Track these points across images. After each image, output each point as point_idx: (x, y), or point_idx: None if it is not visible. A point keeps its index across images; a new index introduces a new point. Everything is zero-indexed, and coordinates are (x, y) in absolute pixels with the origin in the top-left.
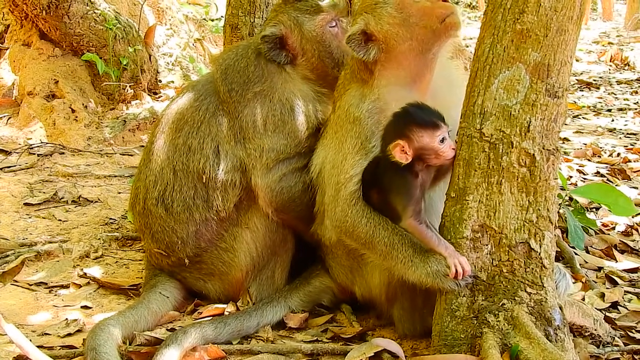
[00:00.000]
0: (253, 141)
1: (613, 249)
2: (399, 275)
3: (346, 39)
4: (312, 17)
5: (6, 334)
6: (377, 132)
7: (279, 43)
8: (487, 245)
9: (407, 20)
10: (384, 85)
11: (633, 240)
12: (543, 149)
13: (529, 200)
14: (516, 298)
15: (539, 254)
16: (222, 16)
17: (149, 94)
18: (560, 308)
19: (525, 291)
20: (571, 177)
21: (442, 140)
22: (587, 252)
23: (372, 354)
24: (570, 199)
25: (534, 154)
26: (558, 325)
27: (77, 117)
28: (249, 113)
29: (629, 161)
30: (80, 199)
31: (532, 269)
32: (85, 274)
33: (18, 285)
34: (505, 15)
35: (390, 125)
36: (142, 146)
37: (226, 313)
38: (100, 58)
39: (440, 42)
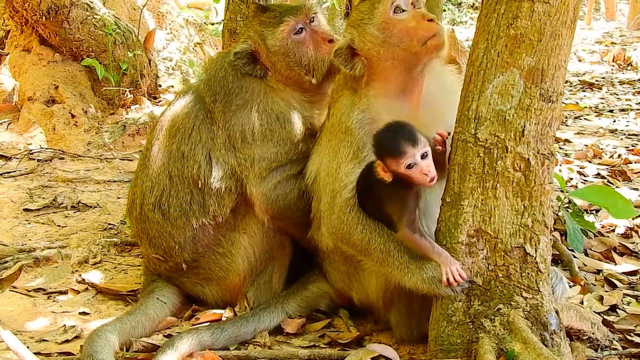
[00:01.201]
0: (243, 151)
1: (612, 252)
2: (395, 282)
3: (333, 52)
4: (273, 29)
5: (3, 341)
6: (369, 142)
7: (251, 57)
8: (482, 250)
9: (388, 41)
10: (373, 96)
11: (633, 243)
12: (538, 153)
13: (524, 205)
14: (512, 303)
15: (535, 259)
16: (222, 20)
17: (148, 99)
18: (557, 312)
19: (521, 296)
20: (572, 178)
21: (410, 166)
22: (586, 254)
23: None
24: (570, 201)
25: (528, 159)
26: (554, 330)
27: (77, 122)
28: (235, 123)
29: (630, 162)
30: (80, 204)
31: (528, 273)
32: (83, 279)
33: (16, 292)
34: (499, 20)
35: (373, 144)
36: (142, 151)
37: (224, 318)
38: (100, 63)
39: (424, 62)
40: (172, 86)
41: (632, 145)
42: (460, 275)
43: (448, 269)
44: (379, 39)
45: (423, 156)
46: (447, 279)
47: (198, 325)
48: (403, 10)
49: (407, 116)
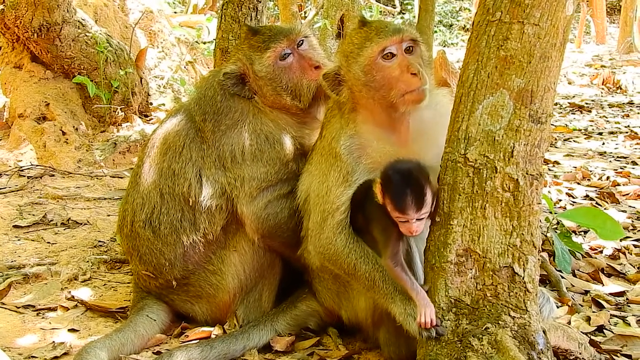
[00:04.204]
0: (233, 171)
1: (600, 273)
2: (380, 306)
3: (322, 75)
4: (260, 55)
5: None
6: (358, 168)
7: (240, 79)
8: (471, 269)
9: (369, 85)
10: (361, 122)
11: (620, 264)
12: (527, 174)
13: (512, 225)
14: (500, 322)
15: (523, 278)
16: (214, 39)
17: (139, 117)
18: (544, 332)
19: (509, 315)
20: (560, 200)
21: (402, 221)
22: (574, 275)
23: None
24: (558, 222)
25: (517, 179)
26: (541, 350)
27: (67, 139)
28: (225, 143)
29: (618, 185)
30: (70, 221)
31: (516, 293)
32: (73, 296)
33: (5, 308)
34: (489, 42)
35: (385, 166)
36: (132, 168)
37: (213, 336)
38: (92, 81)
39: (401, 111)
40: (164, 104)
41: (621, 168)
42: (431, 319)
43: (425, 310)
44: (362, 80)
45: (419, 217)
46: (425, 320)
47: (187, 343)
48: (393, 56)
49: (397, 142)
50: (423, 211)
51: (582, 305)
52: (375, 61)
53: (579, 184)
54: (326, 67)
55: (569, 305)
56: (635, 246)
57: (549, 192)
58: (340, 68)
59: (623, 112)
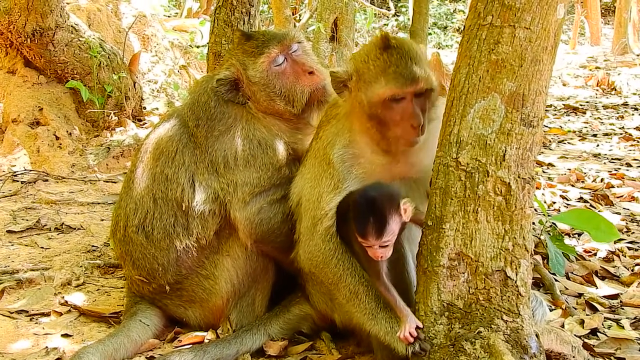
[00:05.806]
0: (225, 176)
1: (593, 275)
2: (357, 323)
3: (330, 72)
4: (254, 60)
5: None
6: (349, 176)
7: (234, 85)
8: (463, 273)
9: (370, 116)
10: (358, 132)
11: (614, 267)
12: (518, 177)
13: (504, 229)
14: (492, 326)
15: (515, 282)
16: (207, 43)
17: (133, 121)
18: (537, 336)
19: (502, 319)
20: (555, 202)
21: (367, 245)
22: (568, 278)
23: None
24: (552, 225)
25: (509, 183)
26: (534, 353)
27: (61, 144)
28: (218, 148)
29: (612, 187)
30: (63, 226)
31: (509, 296)
32: (66, 301)
33: None
34: (481, 46)
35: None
36: (126, 173)
37: (206, 341)
38: (85, 85)
39: (392, 147)
40: (157, 108)
41: (615, 170)
42: (410, 332)
43: (406, 325)
44: (364, 108)
45: (382, 245)
46: (405, 335)
47: (180, 348)
48: (402, 99)
49: (390, 154)
50: (384, 239)
51: (575, 308)
52: (383, 102)
53: (573, 186)
54: (320, 72)
55: (562, 308)
56: (629, 248)
57: (543, 194)
58: (352, 75)
59: (617, 113)
